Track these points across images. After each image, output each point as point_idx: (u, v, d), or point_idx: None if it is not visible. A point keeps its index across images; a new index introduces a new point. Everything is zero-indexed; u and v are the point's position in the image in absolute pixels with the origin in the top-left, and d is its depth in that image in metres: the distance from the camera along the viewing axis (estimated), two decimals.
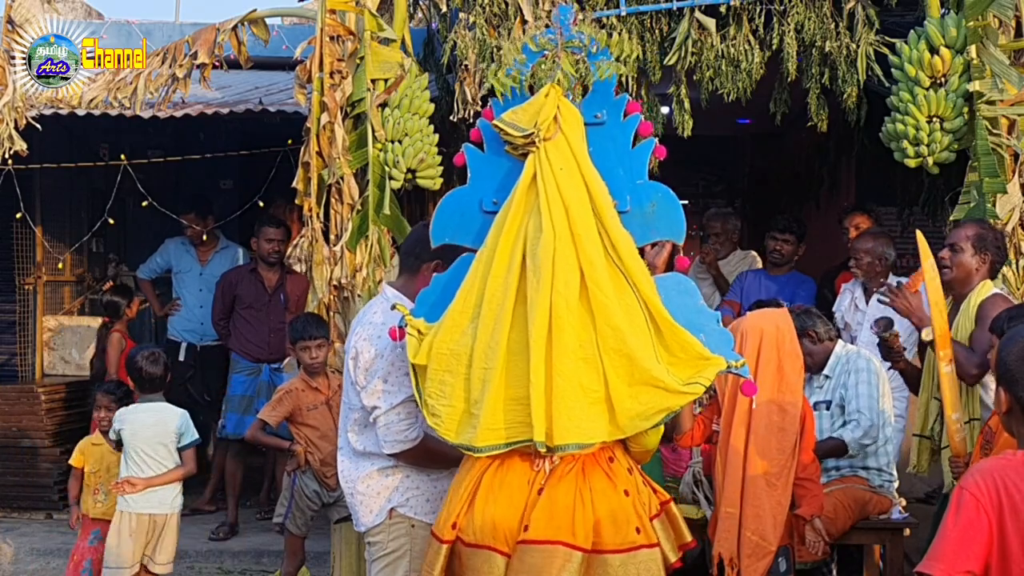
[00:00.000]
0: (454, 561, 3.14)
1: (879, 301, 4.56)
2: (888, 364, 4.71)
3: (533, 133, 3.14)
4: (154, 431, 5.12)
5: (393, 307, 3.30)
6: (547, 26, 3.36)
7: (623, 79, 3.40)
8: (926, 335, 4.23)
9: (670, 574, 3.23)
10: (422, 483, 3.43)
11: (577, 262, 3.09)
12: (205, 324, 7.31)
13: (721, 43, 5.48)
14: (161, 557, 5.13)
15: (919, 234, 4.15)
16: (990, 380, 4.14)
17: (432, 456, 3.38)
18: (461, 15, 5.55)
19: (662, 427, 3.17)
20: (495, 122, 3.23)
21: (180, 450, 5.17)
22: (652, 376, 3.01)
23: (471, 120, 5.63)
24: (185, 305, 7.47)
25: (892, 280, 5.89)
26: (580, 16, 3.38)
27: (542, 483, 3.07)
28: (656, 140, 3.28)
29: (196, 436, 5.22)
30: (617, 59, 3.29)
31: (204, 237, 7.44)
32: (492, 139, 3.30)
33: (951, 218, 4.92)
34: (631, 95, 5.67)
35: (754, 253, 7.31)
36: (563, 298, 3.05)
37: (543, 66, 3.26)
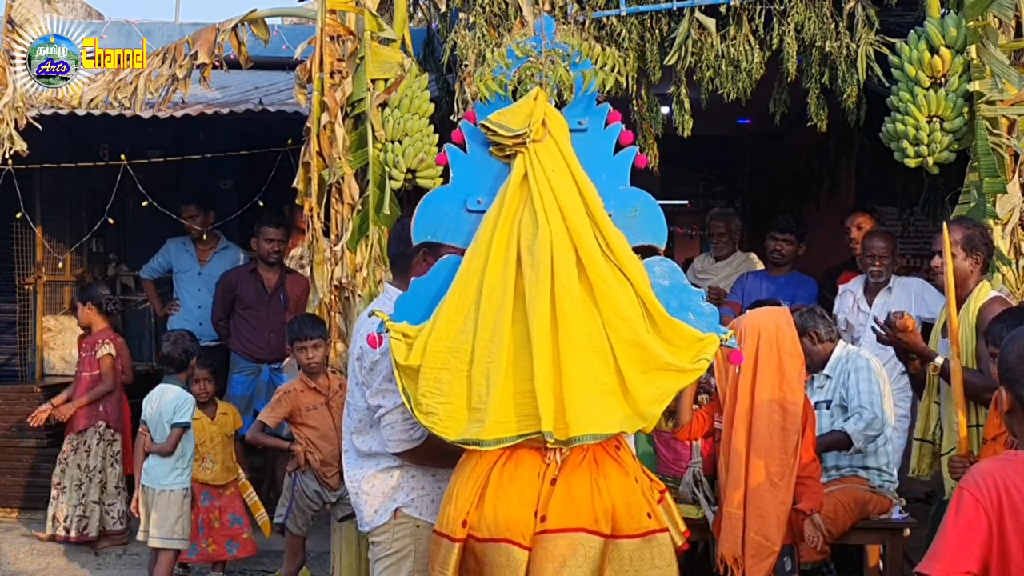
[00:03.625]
0: (469, 559, 3.13)
1: (879, 341, 4.55)
2: (901, 369, 4.72)
3: (524, 134, 3.21)
4: (158, 410, 5.43)
5: (371, 314, 3.31)
6: (533, 34, 3.43)
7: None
8: (932, 369, 4.25)
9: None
10: (427, 483, 3.44)
11: (575, 257, 3.15)
12: (204, 324, 7.30)
13: (721, 43, 5.48)
14: (152, 530, 5.40)
15: (945, 226, 4.15)
16: None
17: (436, 455, 3.37)
18: (461, 15, 5.54)
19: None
20: (483, 123, 3.29)
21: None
22: (665, 361, 3.12)
23: None
24: (184, 305, 7.47)
25: (892, 279, 5.91)
26: (573, 20, 3.43)
27: (554, 474, 3.09)
28: (637, 149, 3.36)
29: (184, 419, 5.41)
30: (602, 68, 3.35)
31: (204, 237, 7.45)
32: (475, 140, 3.37)
33: (951, 218, 4.92)
34: (631, 95, 5.69)
35: (754, 255, 7.31)
36: (566, 291, 3.11)
37: (528, 71, 3.34)
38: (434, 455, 3.37)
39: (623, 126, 3.35)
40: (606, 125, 3.35)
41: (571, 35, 3.41)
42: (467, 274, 3.19)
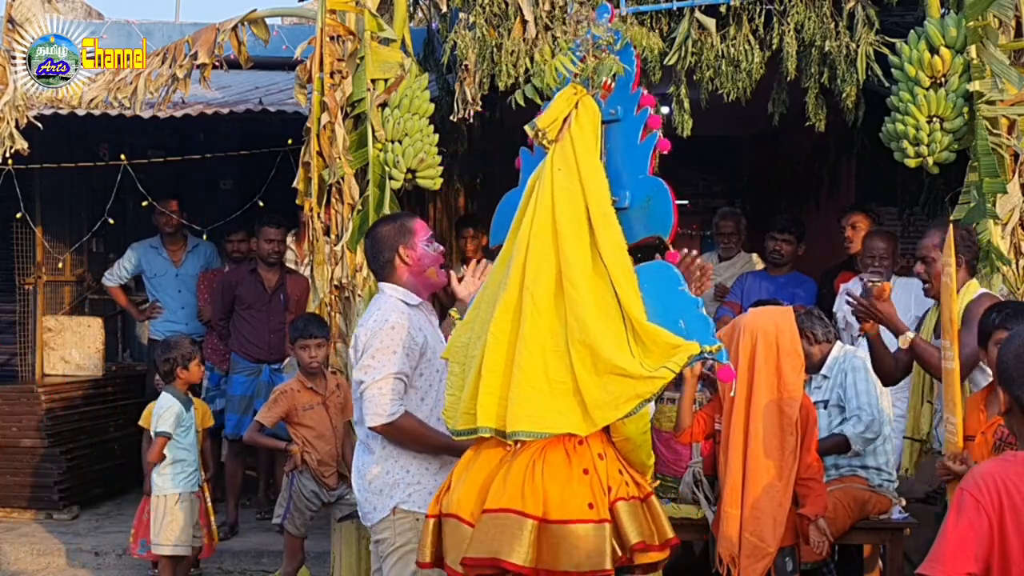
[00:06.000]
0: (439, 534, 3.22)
1: (853, 314, 4.48)
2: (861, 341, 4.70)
3: (540, 134, 3.21)
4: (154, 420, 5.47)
5: (448, 313, 3.51)
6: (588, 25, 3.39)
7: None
8: (903, 342, 4.22)
9: (668, 569, 3.27)
10: (423, 477, 3.53)
11: (555, 259, 3.13)
12: (189, 324, 7.32)
13: (721, 43, 5.49)
14: (152, 537, 5.43)
15: (950, 228, 4.11)
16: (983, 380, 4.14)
17: (413, 436, 3.48)
18: (461, 15, 5.55)
19: (645, 416, 3.14)
20: (527, 126, 3.29)
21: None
22: (615, 365, 3.00)
23: (471, 120, 5.64)
24: (166, 307, 7.45)
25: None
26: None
27: (508, 459, 3.13)
28: (660, 133, 3.25)
29: (161, 428, 5.37)
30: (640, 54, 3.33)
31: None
32: None
33: (951, 218, 4.92)
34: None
35: (756, 256, 7.31)
36: (530, 293, 3.11)
37: (582, 52, 3.32)
38: (410, 435, 3.48)
39: (651, 110, 3.26)
40: (638, 110, 3.27)
41: (617, 22, 3.36)
42: (491, 276, 3.30)
